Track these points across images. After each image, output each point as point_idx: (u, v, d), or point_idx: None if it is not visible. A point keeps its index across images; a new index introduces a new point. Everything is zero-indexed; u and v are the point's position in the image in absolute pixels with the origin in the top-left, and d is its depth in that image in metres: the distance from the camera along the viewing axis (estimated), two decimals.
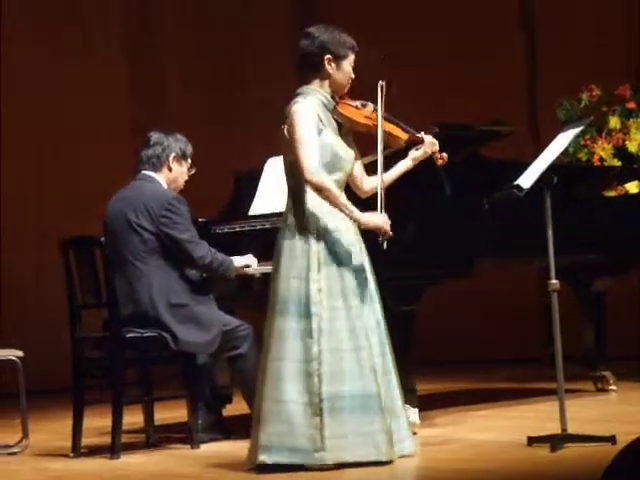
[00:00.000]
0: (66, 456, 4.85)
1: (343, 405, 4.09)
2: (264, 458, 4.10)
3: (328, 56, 4.26)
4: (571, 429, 4.28)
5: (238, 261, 4.95)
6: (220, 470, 4.27)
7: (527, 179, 4.37)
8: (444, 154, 4.45)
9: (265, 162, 5.44)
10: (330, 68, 4.27)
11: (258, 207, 5.37)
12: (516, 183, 4.37)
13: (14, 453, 5.07)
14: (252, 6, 8.49)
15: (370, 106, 4.32)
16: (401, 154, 4.51)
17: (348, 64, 4.30)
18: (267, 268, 4.87)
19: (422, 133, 4.42)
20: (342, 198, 4.22)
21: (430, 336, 6.70)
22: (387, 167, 4.37)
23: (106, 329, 4.86)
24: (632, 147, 6.47)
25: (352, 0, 8.31)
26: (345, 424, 4.09)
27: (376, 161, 4.28)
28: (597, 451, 4.08)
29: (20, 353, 5.19)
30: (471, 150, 5.41)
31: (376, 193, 4.26)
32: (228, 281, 4.97)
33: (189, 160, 5.07)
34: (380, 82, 4.29)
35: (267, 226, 5.10)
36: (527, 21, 8.22)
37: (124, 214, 4.92)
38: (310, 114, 4.19)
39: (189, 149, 5.07)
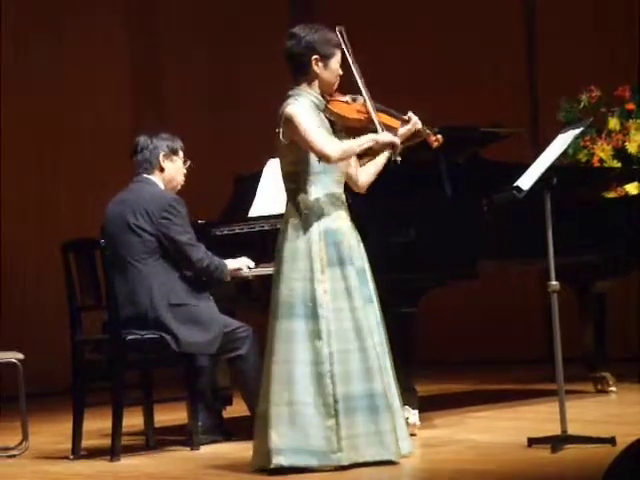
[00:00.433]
0: (66, 458, 4.85)
1: (355, 405, 4.11)
2: (280, 460, 4.08)
3: (315, 56, 4.26)
4: (571, 430, 4.28)
5: (232, 264, 4.95)
6: (221, 472, 4.26)
7: (527, 180, 4.37)
8: (439, 135, 4.44)
9: (265, 164, 5.44)
10: (318, 68, 4.27)
11: (258, 209, 5.37)
12: (516, 184, 4.37)
13: (14, 455, 5.07)
14: (252, 6, 8.49)
15: (360, 99, 4.33)
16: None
17: (335, 62, 4.30)
18: (263, 270, 4.88)
19: (409, 113, 4.41)
20: (356, 140, 4.23)
21: (431, 337, 6.71)
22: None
23: (106, 331, 4.86)
24: (632, 148, 6.47)
25: (350, 1, 8.31)
26: (357, 424, 4.10)
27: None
28: (597, 452, 4.07)
29: (20, 355, 5.19)
30: (472, 152, 5.42)
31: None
32: (223, 284, 4.97)
33: (181, 154, 5.06)
34: (337, 28, 4.31)
35: (267, 228, 5.10)
36: (528, 21, 8.22)
37: (123, 217, 4.92)
38: (305, 111, 4.21)
39: (177, 143, 5.06)
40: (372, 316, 4.21)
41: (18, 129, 7.66)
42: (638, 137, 6.48)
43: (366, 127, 4.32)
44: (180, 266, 4.91)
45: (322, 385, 4.09)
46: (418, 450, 4.50)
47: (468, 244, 5.13)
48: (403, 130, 4.38)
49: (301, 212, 4.21)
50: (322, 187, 4.22)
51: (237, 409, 5.26)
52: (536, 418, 5.16)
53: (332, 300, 4.14)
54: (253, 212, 5.38)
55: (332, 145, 4.18)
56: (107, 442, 4.80)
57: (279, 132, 4.22)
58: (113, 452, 4.72)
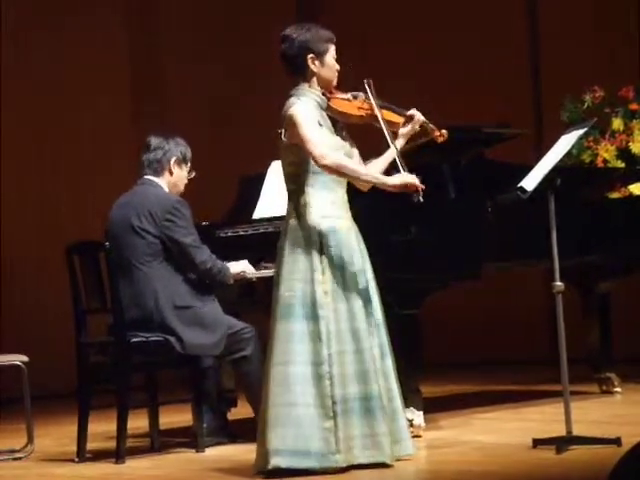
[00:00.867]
0: (71, 461, 4.85)
1: (350, 407, 4.10)
2: (278, 462, 4.08)
3: (310, 55, 4.26)
4: (576, 431, 4.28)
5: (234, 267, 4.95)
6: (225, 474, 4.26)
7: (531, 181, 4.37)
8: (444, 130, 4.43)
9: (269, 165, 5.45)
10: (315, 67, 4.27)
11: (262, 211, 5.38)
12: (520, 185, 4.37)
13: (19, 458, 5.07)
14: (252, 6, 8.50)
15: (361, 96, 4.33)
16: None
17: (331, 57, 4.30)
18: (266, 272, 4.88)
19: (412, 109, 4.41)
20: (362, 169, 4.25)
21: (435, 338, 6.70)
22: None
23: (111, 334, 4.87)
24: (635, 148, 6.46)
25: (355, 2, 8.31)
26: (354, 426, 4.10)
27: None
28: (602, 453, 4.07)
29: (25, 358, 5.19)
30: (475, 152, 5.41)
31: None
32: (226, 287, 4.97)
33: (189, 164, 5.08)
34: (365, 80, 4.31)
35: (271, 230, 5.10)
36: (530, 21, 8.21)
37: (128, 219, 4.93)
38: (308, 112, 4.21)
39: (189, 153, 5.08)
40: (371, 318, 4.20)
41: (18, 129, 7.67)
42: None
43: (368, 124, 4.31)
44: (184, 268, 4.92)
45: (321, 386, 4.08)
46: (423, 451, 4.50)
47: (471, 245, 5.13)
48: (406, 129, 4.37)
49: (301, 213, 4.20)
50: (322, 188, 4.21)
51: (242, 411, 5.26)
52: (541, 419, 5.15)
53: (332, 301, 4.14)
54: (257, 214, 5.39)
55: (324, 149, 4.14)
56: (112, 444, 4.81)
57: (281, 132, 4.22)
58: (118, 454, 4.72)
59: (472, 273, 5.13)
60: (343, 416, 4.08)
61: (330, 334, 4.11)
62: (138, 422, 5.17)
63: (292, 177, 4.25)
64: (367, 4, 8.33)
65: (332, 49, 4.31)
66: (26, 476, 4.70)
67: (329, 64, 4.29)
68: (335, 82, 4.33)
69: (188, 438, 5.00)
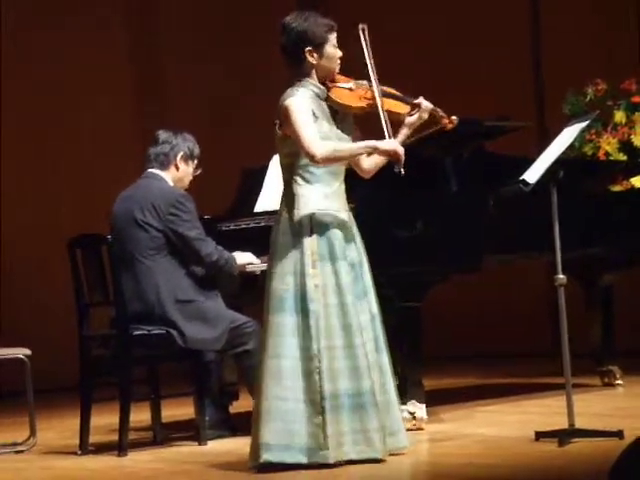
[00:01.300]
0: (74, 454, 4.86)
1: (341, 403, 4.06)
2: (268, 457, 4.07)
3: (308, 48, 4.19)
4: (578, 424, 4.28)
5: (240, 258, 4.95)
6: (227, 467, 4.27)
7: (533, 174, 4.36)
8: (454, 117, 4.33)
9: (269, 158, 5.44)
10: (312, 59, 4.21)
11: (263, 204, 5.37)
12: (522, 178, 4.37)
13: (22, 451, 5.08)
14: (255, 6, 8.48)
15: (364, 84, 4.24)
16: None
17: (330, 47, 4.21)
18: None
19: (420, 98, 4.31)
20: (354, 144, 4.18)
21: (437, 331, 6.70)
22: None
23: (113, 327, 4.87)
24: (638, 141, 6.45)
25: (356, 1, 8.30)
26: (343, 422, 4.06)
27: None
28: (604, 446, 4.07)
29: (28, 351, 5.20)
30: (477, 145, 5.41)
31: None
32: (231, 278, 4.97)
33: (196, 161, 5.08)
34: (360, 25, 4.23)
35: (272, 223, 5.08)
36: (533, 14, 8.20)
37: (131, 212, 4.93)
38: (303, 105, 4.15)
39: (197, 150, 5.07)
40: (365, 312, 4.16)
41: (18, 129, 7.67)
42: None
43: (370, 114, 4.21)
44: (188, 262, 4.92)
45: (311, 382, 4.05)
46: (425, 444, 4.51)
47: (472, 238, 5.13)
48: (412, 118, 4.28)
49: (294, 206, 4.16)
50: (317, 181, 4.17)
51: (243, 404, 5.27)
52: (543, 412, 5.15)
53: (322, 295, 4.09)
54: (259, 207, 5.38)
55: (320, 145, 4.10)
56: (114, 437, 4.81)
57: (277, 123, 4.19)
58: (120, 447, 4.73)
59: (473, 266, 5.13)
60: (332, 412, 4.05)
61: (319, 329, 4.07)
62: (140, 415, 5.18)
63: (287, 168, 4.22)
64: (368, 4, 8.30)
65: (332, 38, 4.22)
66: (28, 469, 4.71)
67: (328, 55, 4.22)
68: (336, 71, 4.26)
69: (190, 431, 5.00)
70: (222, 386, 5.18)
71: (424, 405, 4.85)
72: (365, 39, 4.22)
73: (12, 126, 7.66)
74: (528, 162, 4.46)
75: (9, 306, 7.56)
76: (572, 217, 5.24)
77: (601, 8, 7.85)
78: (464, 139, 5.18)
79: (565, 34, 7.93)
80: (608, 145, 6.47)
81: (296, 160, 4.18)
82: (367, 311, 4.19)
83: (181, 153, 5.02)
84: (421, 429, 4.75)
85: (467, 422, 4.99)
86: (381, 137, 4.22)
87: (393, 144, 4.18)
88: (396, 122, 4.31)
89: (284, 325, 4.10)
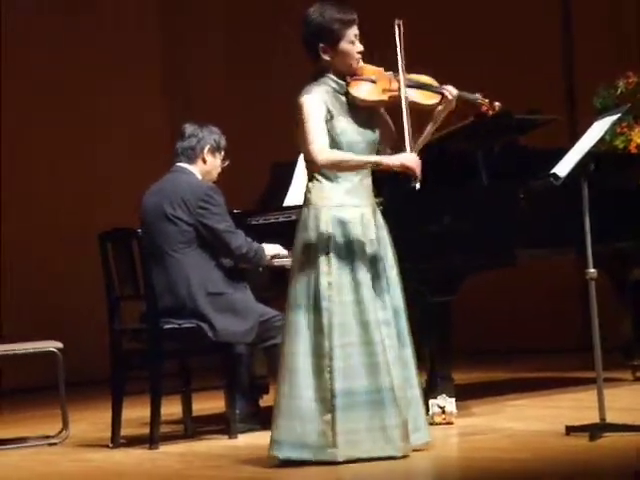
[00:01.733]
0: (105, 447, 4.89)
1: (356, 401, 4.03)
2: (276, 453, 4.09)
3: (321, 45, 4.11)
4: (609, 418, 4.26)
5: (268, 249, 4.96)
6: (257, 461, 4.28)
7: (564, 167, 4.35)
8: (496, 103, 4.20)
9: (300, 154, 5.44)
10: (327, 55, 4.12)
11: (293, 198, 5.38)
12: (553, 172, 4.35)
13: (54, 444, 5.12)
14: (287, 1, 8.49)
15: (390, 74, 4.11)
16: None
17: (346, 43, 4.10)
18: None
19: (445, 87, 4.14)
20: (358, 157, 4.07)
21: (468, 326, 6.68)
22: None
23: (144, 321, 4.89)
24: None
25: None
26: (358, 420, 4.02)
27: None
28: (636, 440, 4.06)
29: (60, 345, 5.24)
30: (508, 139, 5.39)
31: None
32: (260, 271, 4.98)
33: (222, 152, 5.09)
34: (397, 21, 4.09)
35: None
36: (564, 7, 8.15)
37: (160, 206, 4.95)
38: (316, 104, 4.08)
39: (223, 141, 5.08)
40: (386, 308, 4.11)
41: (53, 126, 7.72)
42: None
43: (393, 106, 4.10)
44: (218, 254, 4.94)
45: (321, 379, 4.03)
46: (455, 439, 4.51)
47: (504, 232, 5.12)
48: (440, 109, 4.15)
49: (313, 202, 4.13)
50: (336, 176, 4.12)
51: (273, 398, 5.27)
52: (574, 406, 5.13)
53: (337, 293, 4.05)
54: (288, 201, 5.39)
55: (325, 151, 4.04)
56: (146, 431, 4.84)
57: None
58: (152, 440, 4.75)
59: (507, 261, 5.11)
60: (345, 410, 4.01)
61: (332, 327, 4.04)
62: (171, 408, 5.20)
63: (307, 163, 4.17)
64: None
65: (349, 33, 4.09)
66: (61, 462, 4.74)
67: (344, 51, 4.10)
68: (356, 65, 4.12)
69: (221, 425, 5.02)
70: (252, 380, 5.19)
71: (454, 399, 4.84)
72: (400, 34, 4.09)
73: (46, 123, 7.71)
74: (559, 156, 4.44)
75: (41, 300, 7.62)
76: (603, 211, 5.21)
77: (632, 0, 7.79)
78: (495, 133, 5.16)
79: (596, 26, 7.88)
80: None
81: None
82: (389, 307, 4.13)
83: (208, 146, 5.04)
84: (451, 423, 4.75)
85: (497, 416, 4.98)
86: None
87: (404, 159, 4.05)
88: (426, 113, 4.20)
89: (298, 322, 4.10)
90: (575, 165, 4.32)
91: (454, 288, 4.99)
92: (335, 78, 4.16)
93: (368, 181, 4.20)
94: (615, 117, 4.57)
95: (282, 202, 5.42)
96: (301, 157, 5.43)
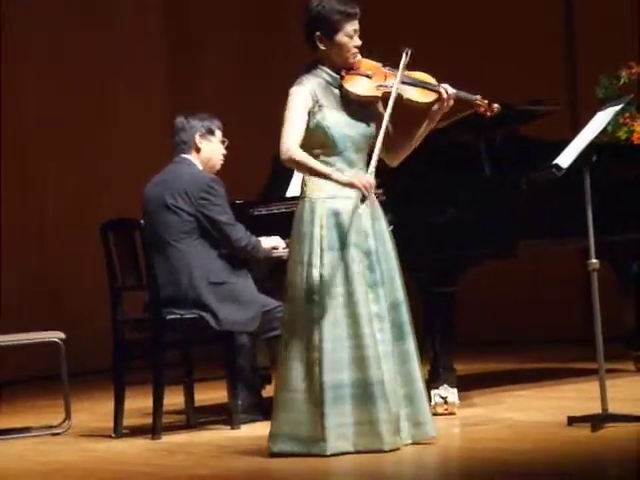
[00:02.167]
0: (108, 437, 4.90)
1: (344, 394, 4.02)
2: (270, 446, 4.11)
3: (317, 34, 4.07)
4: (612, 409, 4.26)
5: (265, 242, 4.97)
6: (259, 451, 4.29)
7: (566, 158, 4.34)
8: (495, 105, 4.16)
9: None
10: (323, 46, 4.08)
11: (295, 189, 5.37)
12: (555, 162, 4.34)
13: (57, 434, 5.13)
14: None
15: (384, 70, 4.07)
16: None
17: (343, 36, 4.05)
18: None
19: (442, 85, 4.09)
20: (317, 165, 4.04)
21: (470, 316, 6.69)
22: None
23: (146, 311, 4.90)
24: None
25: None
26: (346, 413, 4.02)
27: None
28: (638, 431, 4.06)
29: (62, 335, 5.24)
30: (510, 130, 5.38)
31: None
32: (260, 262, 4.98)
33: (218, 133, 5.06)
34: (406, 49, 4.05)
35: None
36: None
37: (162, 197, 4.96)
38: (302, 96, 4.05)
39: (215, 123, 5.05)
40: (380, 301, 4.08)
41: (53, 118, 7.72)
42: None
43: (386, 101, 4.05)
44: (218, 245, 4.94)
45: (312, 372, 4.03)
46: (457, 429, 4.51)
47: (507, 223, 5.11)
48: (435, 108, 4.11)
49: (307, 194, 4.12)
50: (329, 167, 4.08)
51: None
52: (576, 397, 5.14)
53: (328, 285, 4.04)
54: (291, 192, 5.39)
55: (287, 144, 4.00)
56: (148, 421, 4.85)
57: None
58: (154, 431, 4.76)
59: (508, 252, 5.11)
60: (334, 403, 4.00)
61: (323, 319, 4.03)
62: (174, 399, 5.21)
63: None
64: None
65: (347, 26, 4.04)
66: (63, 452, 4.75)
67: (340, 43, 4.05)
68: (352, 60, 4.08)
69: (223, 415, 5.03)
70: (255, 370, 5.20)
71: (456, 390, 4.85)
72: (405, 62, 4.03)
73: (45, 115, 7.71)
74: (561, 146, 4.43)
75: (44, 290, 7.63)
76: (605, 202, 5.21)
77: None
78: (496, 123, 5.15)
79: (599, 17, 7.86)
80: None
81: (309, 149, 4.09)
82: (383, 300, 4.10)
83: (198, 133, 5.03)
84: (453, 414, 4.75)
85: (499, 407, 4.99)
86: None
87: (355, 180, 4.00)
88: (423, 111, 4.15)
89: (293, 315, 4.10)
90: (577, 156, 4.32)
91: (456, 279, 4.98)
92: (329, 71, 4.12)
93: (362, 173, 4.15)
94: (618, 108, 4.56)
95: (284, 193, 5.42)
96: None
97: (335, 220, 4.09)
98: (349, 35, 4.08)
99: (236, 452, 4.37)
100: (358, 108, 4.14)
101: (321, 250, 4.07)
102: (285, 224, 5.15)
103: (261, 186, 5.71)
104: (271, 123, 8.52)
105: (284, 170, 5.52)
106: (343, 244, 4.08)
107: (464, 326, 5.38)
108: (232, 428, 4.86)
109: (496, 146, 5.23)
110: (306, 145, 4.10)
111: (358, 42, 4.10)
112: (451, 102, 4.14)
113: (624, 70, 6.59)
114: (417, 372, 4.15)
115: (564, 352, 6.95)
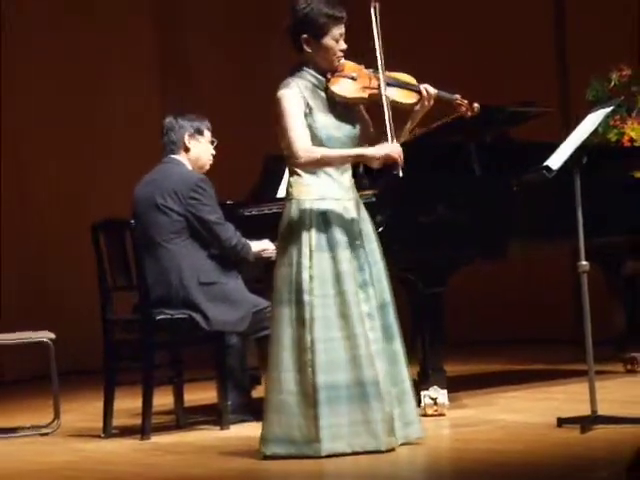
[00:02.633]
0: (97, 437, 4.90)
1: (338, 395, 4.01)
2: (263, 449, 4.09)
3: (304, 36, 4.06)
4: (601, 410, 4.27)
5: (255, 246, 4.97)
6: (248, 452, 4.28)
7: (556, 160, 4.35)
8: (475, 105, 4.19)
9: None
10: (309, 48, 4.07)
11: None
12: (545, 164, 4.35)
13: (46, 434, 5.12)
14: None
15: (371, 72, 4.08)
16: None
17: (329, 40, 4.05)
18: None
19: (422, 85, 4.12)
20: (341, 151, 4.05)
21: (460, 317, 6.69)
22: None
23: (136, 311, 4.89)
24: None
25: None
26: (341, 414, 4.01)
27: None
28: (627, 432, 4.07)
29: (52, 335, 5.24)
30: (500, 131, 5.39)
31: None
32: (251, 263, 4.98)
33: (207, 133, 5.06)
34: (373, 3, 4.04)
35: None
36: None
37: (152, 197, 4.95)
38: (295, 99, 4.05)
39: (203, 124, 5.06)
40: (370, 301, 4.08)
41: (41, 115, 7.71)
42: None
43: (373, 104, 4.07)
44: (208, 245, 4.94)
45: (304, 374, 4.02)
46: (447, 430, 4.52)
47: (497, 224, 5.12)
48: (417, 108, 4.12)
49: (294, 195, 4.11)
50: (316, 170, 4.07)
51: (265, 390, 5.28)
52: (566, 398, 5.15)
53: (319, 286, 4.03)
54: (281, 193, 5.39)
55: (306, 148, 4.01)
56: (138, 421, 4.84)
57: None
58: (144, 431, 4.76)
59: (498, 254, 5.12)
60: (329, 404, 3.99)
61: (314, 320, 4.02)
62: (163, 399, 5.20)
63: (289, 159, 4.13)
64: None
65: (334, 29, 4.04)
66: (53, 451, 4.74)
67: (326, 47, 4.05)
68: (337, 63, 4.07)
69: (212, 415, 5.02)
70: (244, 371, 5.19)
71: (446, 391, 4.85)
72: (376, 18, 4.03)
73: (35, 112, 7.70)
74: (552, 148, 4.44)
75: (33, 290, 7.61)
76: (595, 204, 5.22)
77: None
78: (487, 125, 5.16)
79: (589, 19, 7.87)
80: (633, 131, 6.43)
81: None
82: (373, 299, 4.10)
83: (186, 133, 5.03)
84: (443, 415, 4.76)
85: (489, 408, 4.99)
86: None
87: (386, 149, 4.02)
88: (405, 112, 4.16)
89: (281, 317, 4.09)
90: (568, 158, 4.32)
91: (446, 279, 4.99)
92: (314, 73, 4.11)
93: (348, 175, 4.16)
94: (608, 110, 4.57)
95: (275, 194, 5.42)
96: None
97: (324, 221, 4.09)
98: (335, 39, 4.08)
99: (226, 452, 4.36)
100: (343, 110, 4.15)
101: (310, 251, 4.06)
102: (276, 225, 5.17)
103: (251, 187, 5.70)
104: (261, 123, 8.56)
105: (275, 170, 5.54)
106: (332, 245, 4.08)
107: (454, 327, 5.39)
108: (222, 428, 4.86)
109: (486, 147, 5.23)
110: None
111: (344, 46, 4.11)
112: (432, 102, 4.15)
113: (615, 72, 6.61)
114: (405, 373, 4.15)
115: (554, 353, 6.96)
